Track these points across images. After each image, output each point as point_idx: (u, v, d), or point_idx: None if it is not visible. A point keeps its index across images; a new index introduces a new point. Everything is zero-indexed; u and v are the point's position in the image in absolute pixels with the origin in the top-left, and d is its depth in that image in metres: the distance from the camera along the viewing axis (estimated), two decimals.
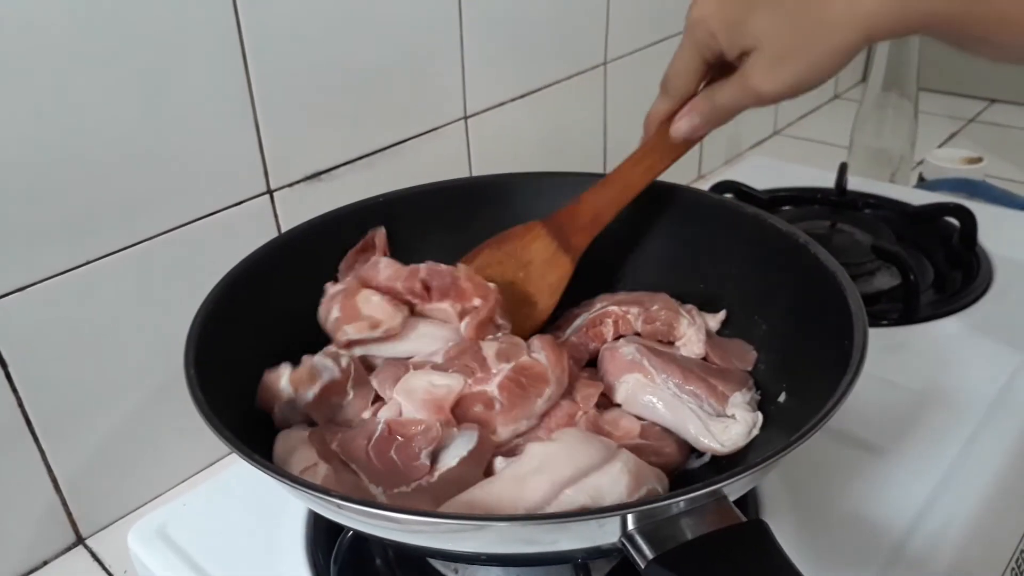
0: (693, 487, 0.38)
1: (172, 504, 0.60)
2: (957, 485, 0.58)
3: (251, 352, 0.55)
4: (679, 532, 0.38)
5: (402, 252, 0.64)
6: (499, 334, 0.58)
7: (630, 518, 0.38)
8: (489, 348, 0.55)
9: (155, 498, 0.68)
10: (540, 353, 0.55)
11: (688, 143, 0.59)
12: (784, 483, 0.58)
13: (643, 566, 0.37)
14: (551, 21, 0.87)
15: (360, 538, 0.55)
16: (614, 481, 0.46)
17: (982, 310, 0.77)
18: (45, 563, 0.63)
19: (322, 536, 0.56)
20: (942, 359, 0.71)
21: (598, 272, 0.66)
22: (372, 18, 0.70)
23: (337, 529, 0.55)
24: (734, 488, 0.40)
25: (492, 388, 0.53)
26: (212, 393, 0.46)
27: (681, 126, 0.58)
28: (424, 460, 0.50)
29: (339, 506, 0.40)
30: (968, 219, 0.85)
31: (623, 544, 0.38)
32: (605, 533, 0.39)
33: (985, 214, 0.86)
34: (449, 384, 0.53)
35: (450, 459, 0.50)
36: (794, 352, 0.56)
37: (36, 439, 0.60)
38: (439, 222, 0.67)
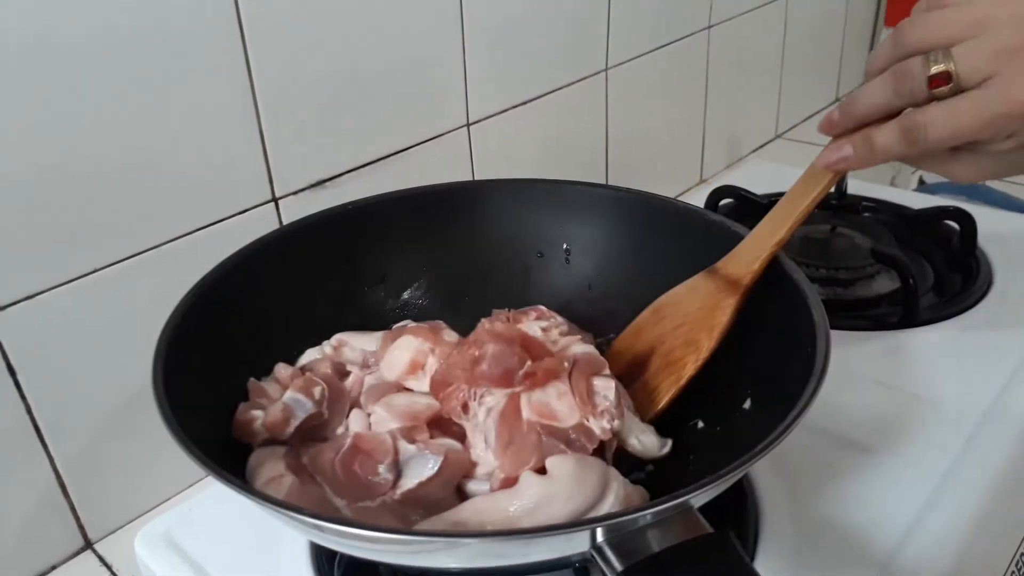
0: (659, 500, 0.39)
1: (178, 509, 0.60)
2: (955, 489, 0.58)
3: (226, 360, 0.56)
4: (647, 544, 0.38)
5: (376, 258, 0.65)
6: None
7: (599, 532, 0.38)
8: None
9: (163, 503, 0.69)
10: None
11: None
12: (782, 487, 0.58)
13: None
14: (552, 27, 0.88)
15: None
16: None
17: (981, 313, 0.78)
18: (53, 567, 0.64)
19: None
20: (941, 363, 0.72)
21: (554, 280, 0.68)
22: (375, 27, 0.71)
23: None
24: (699, 498, 0.40)
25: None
26: (184, 408, 0.45)
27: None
28: (384, 475, 0.50)
29: (301, 521, 0.41)
30: (968, 222, 0.85)
31: (593, 555, 0.39)
32: (575, 545, 0.39)
33: (985, 217, 0.87)
34: (430, 403, 0.54)
35: (409, 480, 0.50)
36: (757, 360, 0.56)
37: (44, 445, 0.60)
38: (412, 229, 0.68)
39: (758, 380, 0.55)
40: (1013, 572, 0.55)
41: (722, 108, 1.19)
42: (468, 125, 0.83)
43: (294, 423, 0.53)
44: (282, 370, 0.58)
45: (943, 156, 0.50)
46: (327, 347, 0.62)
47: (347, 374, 0.59)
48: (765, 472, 0.59)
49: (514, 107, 0.87)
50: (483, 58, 0.81)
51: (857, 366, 0.70)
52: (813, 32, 1.36)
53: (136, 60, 0.57)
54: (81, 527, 0.64)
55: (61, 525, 0.63)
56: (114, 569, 0.64)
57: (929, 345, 0.74)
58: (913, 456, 0.61)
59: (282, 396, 0.55)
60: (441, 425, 0.54)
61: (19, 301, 0.56)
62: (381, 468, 0.50)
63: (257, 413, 0.53)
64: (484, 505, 0.48)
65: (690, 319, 0.58)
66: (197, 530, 0.58)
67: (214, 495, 0.61)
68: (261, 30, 0.63)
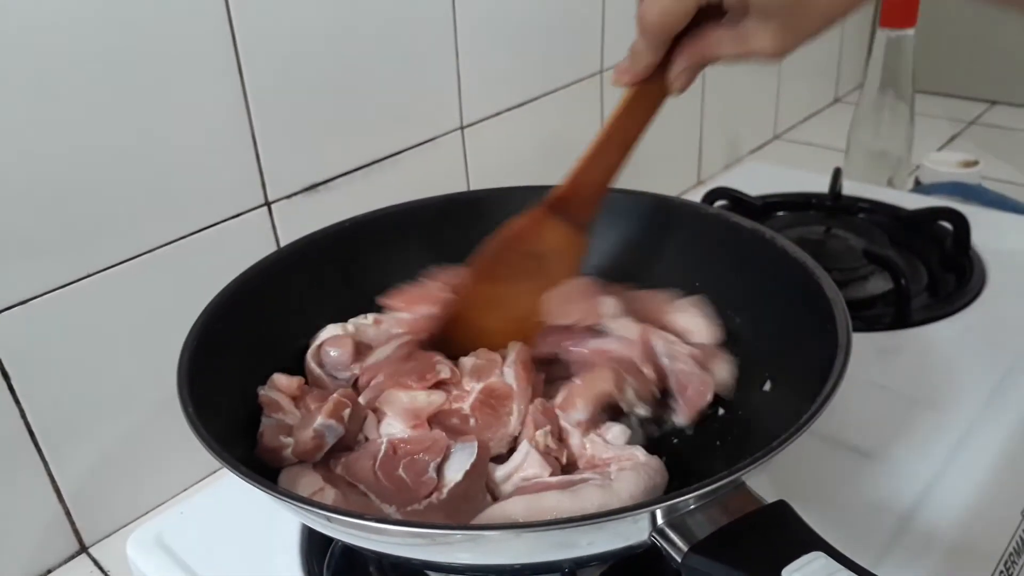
0: (715, 477, 0.40)
1: (170, 512, 0.61)
2: (947, 489, 0.58)
3: (249, 368, 0.57)
4: (708, 522, 0.39)
5: (374, 276, 0.66)
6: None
7: (659, 513, 0.39)
8: (466, 363, 0.57)
9: (157, 507, 0.69)
10: (511, 369, 0.56)
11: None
12: (773, 488, 0.58)
13: (680, 559, 0.39)
14: (547, 30, 0.88)
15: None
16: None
17: (975, 313, 0.77)
18: (49, 571, 0.64)
19: (316, 544, 0.56)
20: (934, 363, 0.72)
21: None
22: (367, 30, 0.71)
23: (330, 537, 0.56)
24: (751, 474, 0.41)
25: (466, 407, 0.55)
26: (211, 420, 0.46)
27: (682, 81, 0.54)
28: (432, 474, 0.50)
29: (362, 527, 0.41)
30: (961, 223, 0.85)
31: (655, 539, 0.40)
32: (637, 531, 0.40)
33: (979, 218, 0.86)
34: (431, 399, 0.55)
35: (455, 473, 0.50)
36: (772, 342, 0.57)
37: (39, 450, 0.61)
38: (432, 237, 0.68)
39: (775, 362, 0.56)
40: (1001, 572, 0.55)
41: (720, 109, 1.19)
42: (462, 128, 0.83)
43: (325, 448, 0.53)
44: (282, 380, 0.57)
45: (737, 34, 0.49)
46: (350, 325, 0.62)
47: (368, 351, 0.59)
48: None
49: (508, 110, 0.87)
50: (476, 61, 0.82)
51: (850, 366, 0.70)
52: None
53: (128, 65, 0.58)
54: (76, 531, 0.65)
55: (56, 529, 0.64)
56: (109, 573, 0.64)
57: (922, 345, 0.74)
58: (905, 456, 0.61)
59: (295, 407, 0.55)
60: (440, 420, 0.55)
61: (12, 306, 0.57)
62: (431, 468, 0.50)
63: (287, 440, 0.52)
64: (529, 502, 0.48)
65: (547, 261, 0.61)
66: (189, 533, 0.58)
67: (205, 499, 0.62)
68: (252, 34, 0.64)
